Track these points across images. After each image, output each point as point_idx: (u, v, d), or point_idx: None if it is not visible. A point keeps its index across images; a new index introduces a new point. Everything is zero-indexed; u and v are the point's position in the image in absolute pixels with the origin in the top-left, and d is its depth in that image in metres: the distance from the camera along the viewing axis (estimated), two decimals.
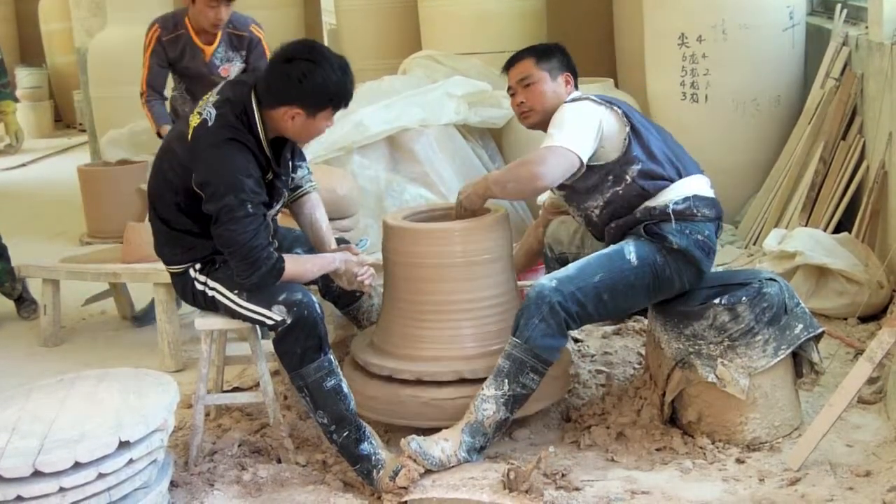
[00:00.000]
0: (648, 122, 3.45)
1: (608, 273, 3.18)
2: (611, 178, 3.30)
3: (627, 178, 3.28)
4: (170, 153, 3.22)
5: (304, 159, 3.54)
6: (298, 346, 3.11)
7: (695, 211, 3.27)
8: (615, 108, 3.32)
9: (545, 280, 3.17)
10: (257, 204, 3.08)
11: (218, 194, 3.04)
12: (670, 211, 3.25)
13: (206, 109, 3.14)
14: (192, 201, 3.14)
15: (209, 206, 3.07)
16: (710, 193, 3.36)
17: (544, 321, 3.09)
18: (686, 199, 3.27)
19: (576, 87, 3.51)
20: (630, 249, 3.23)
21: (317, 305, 3.16)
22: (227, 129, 3.09)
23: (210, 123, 3.10)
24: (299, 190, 3.51)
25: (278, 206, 3.33)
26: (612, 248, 3.28)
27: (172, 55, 4.78)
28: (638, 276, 3.21)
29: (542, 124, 3.40)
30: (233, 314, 3.24)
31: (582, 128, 3.24)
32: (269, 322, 3.14)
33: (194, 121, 3.14)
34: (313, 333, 3.12)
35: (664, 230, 3.24)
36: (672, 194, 3.28)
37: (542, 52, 3.47)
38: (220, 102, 3.15)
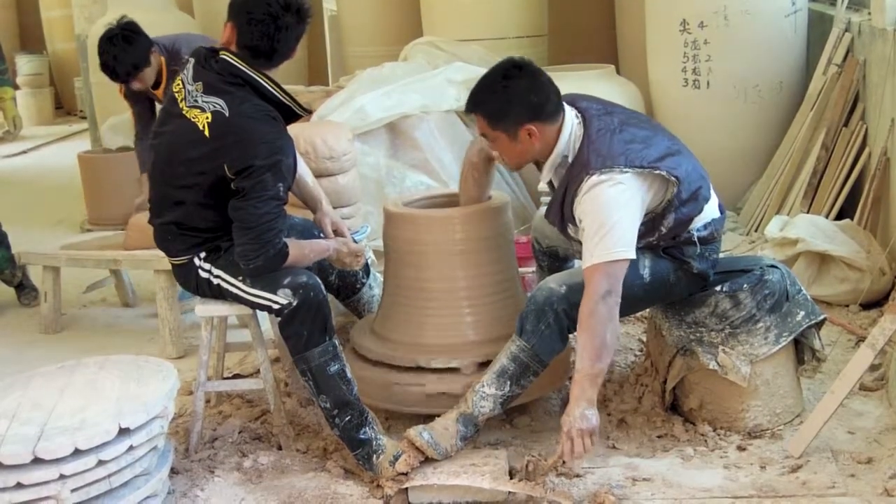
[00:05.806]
0: (681, 145, 3.16)
1: None
2: (642, 228, 3.07)
3: (662, 228, 3.11)
4: (184, 158, 3.09)
5: None
6: (304, 328, 3.10)
7: (715, 234, 3.22)
8: (660, 170, 2.99)
9: (554, 284, 3.08)
10: (285, 189, 3.08)
11: (258, 171, 2.99)
12: (695, 240, 3.17)
13: (201, 101, 3.05)
14: (221, 194, 3.08)
15: (244, 183, 3.00)
16: (717, 207, 3.25)
17: (550, 328, 3.05)
18: (707, 224, 3.18)
19: (560, 120, 3.05)
20: (645, 264, 3.14)
21: (322, 287, 3.15)
22: (249, 109, 3.03)
23: (227, 112, 3.02)
24: None
25: None
26: None
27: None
28: (647, 292, 3.17)
29: (525, 164, 3.19)
30: (239, 301, 3.22)
31: (629, 222, 2.95)
32: (276, 306, 3.12)
33: (202, 117, 3.04)
34: (319, 315, 3.11)
35: (686, 254, 3.17)
36: (697, 223, 3.17)
37: (492, 114, 3.02)
38: (211, 88, 3.06)
